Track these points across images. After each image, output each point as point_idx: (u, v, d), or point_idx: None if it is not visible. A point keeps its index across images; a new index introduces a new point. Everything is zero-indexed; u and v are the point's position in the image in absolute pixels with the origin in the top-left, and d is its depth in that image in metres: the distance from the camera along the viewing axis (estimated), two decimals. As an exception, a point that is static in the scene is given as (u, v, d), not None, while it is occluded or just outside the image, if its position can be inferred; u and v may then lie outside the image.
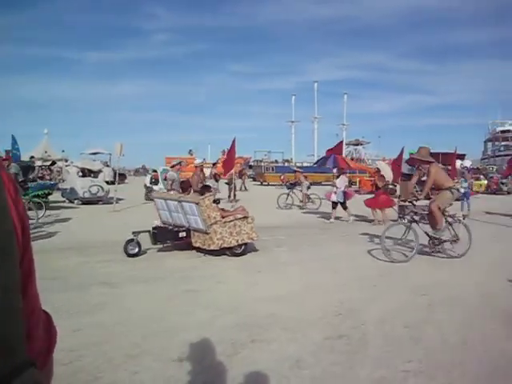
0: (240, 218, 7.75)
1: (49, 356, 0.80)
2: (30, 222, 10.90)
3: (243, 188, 26.16)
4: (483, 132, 66.84)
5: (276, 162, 43.01)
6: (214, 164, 19.61)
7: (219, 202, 8.30)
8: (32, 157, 22.57)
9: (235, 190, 19.39)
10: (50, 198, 14.54)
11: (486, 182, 28.09)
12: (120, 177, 28.23)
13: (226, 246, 7.55)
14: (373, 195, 13.34)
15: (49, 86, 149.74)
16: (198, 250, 7.86)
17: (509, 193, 24.98)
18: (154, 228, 8.12)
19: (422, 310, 4.92)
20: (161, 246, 8.11)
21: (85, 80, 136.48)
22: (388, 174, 14.94)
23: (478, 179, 27.53)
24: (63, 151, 29.12)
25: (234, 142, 16.80)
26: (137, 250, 7.60)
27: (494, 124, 63.71)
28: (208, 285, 5.90)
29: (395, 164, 16.38)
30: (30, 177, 15.71)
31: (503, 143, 55.80)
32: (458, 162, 25.64)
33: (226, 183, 19.87)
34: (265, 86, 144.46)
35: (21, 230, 0.70)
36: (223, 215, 7.77)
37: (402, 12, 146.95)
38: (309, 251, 8.36)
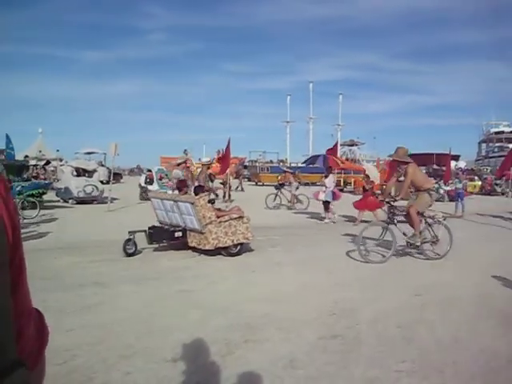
0: (235, 218, 7.75)
1: (40, 356, 0.79)
2: (25, 221, 10.86)
3: (240, 188, 26.14)
4: (477, 133, 67.22)
5: (271, 162, 42.98)
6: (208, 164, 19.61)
7: (214, 202, 8.29)
8: (26, 156, 22.46)
9: (230, 189, 19.40)
10: (45, 197, 14.50)
11: (480, 182, 28.25)
12: (116, 176, 28.22)
13: (221, 245, 7.54)
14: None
15: (44, 85, 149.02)
16: (194, 249, 7.85)
17: (503, 194, 25.09)
18: (149, 228, 8.11)
19: (416, 310, 4.94)
20: (156, 245, 8.10)
21: (80, 79, 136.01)
22: (373, 174, 14.97)
23: (472, 180, 27.68)
24: (58, 150, 28.98)
25: (228, 142, 16.85)
26: (133, 249, 7.61)
27: (488, 125, 64.08)
28: (202, 285, 5.89)
29: (391, 165, 16.44)
30: (25, 176, 15.62)
31: (497, 144, 56.12)
32: (453, 163, 25.80)
33: (221, 183, 19.88)
34: (260, 85, 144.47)
35: (11, 229, 0.69)
36: (218, 215, 7.76)
37: (398, 13, 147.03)
38: (303, 251, 8.36)
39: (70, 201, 16.35)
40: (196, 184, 11.83)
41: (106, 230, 10.32)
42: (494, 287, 5.91)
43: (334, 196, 13.08)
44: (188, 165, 18.62)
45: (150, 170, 19.66)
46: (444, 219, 8.09)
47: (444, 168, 24.00)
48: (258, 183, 33.01)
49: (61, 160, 27.66)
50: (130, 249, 7.56)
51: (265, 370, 3.33)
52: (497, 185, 27.27)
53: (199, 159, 38.96)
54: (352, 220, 13.27)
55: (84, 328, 4.15)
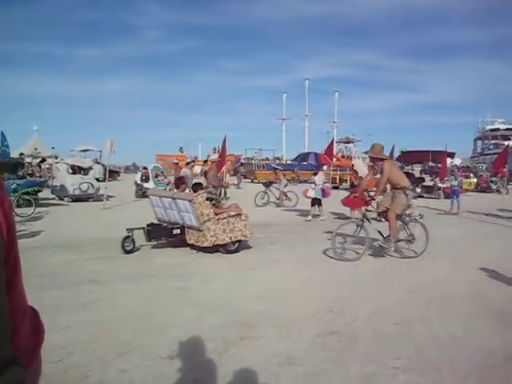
0: (233, 215, 7.75)
1: (35, 354, 0.79)
2: (20, 219, 10.82)
3: (239, 186, 26.15)
4: (473, 130, 67.62)
5: (267, 159, 43.00)
6: (204, 162, 19.60)
7: (212, 200, 8.28)
8: (21, 153, 22.39)
9: (226, 187, 19.38)
10: (40, 195, 14.43)
11: (475, 180, 28.32)
12: (113, 174, 28.10)
13: (219, 243, 7.54)
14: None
15: (39, 83, 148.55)
16: (192, 247, 7.84)
17: (498, 191, 25.18)
18: (148, 225, 8.11)
19: (414, 307, 4.95)
20: (155, 242, 8.09)
21: (75, 77, 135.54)
22: (362, 170, 14.94)
23: (467, 177, 27.74)
24: (53, 148, 28.94)
25: (224, 139, 16.83)
26: (131, 246, 7.61)
27: (484, 122, 64.44)
28: (199, 282, 5.88)
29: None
30: (20, 174, 15.54)
31: (492, 141, 56.40)
32: (449, 160, 25.85)
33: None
34: (256, 83, 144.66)
35: (6, 227, 0.69)
36: (216, 212, 7.75)
37: (394, 11, 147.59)
38: (301, 248, 8.37)
39: (66, 198, 16.28)
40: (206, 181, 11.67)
41: (102, 227, 10.29)
42: (489, 285, 5.92)
43: (324, 193, 13.04)
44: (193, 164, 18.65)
45: (145, 168, 19.63)
46: (421, 217, 7.91)
47: (440, 165, 24.05)
48: (254, 180, 33.01)
49: (56, 157, 27.56)
50: (128, 246, 7.57)
51: (261, 367, 3.33)
52: (492, 182, 27.34)
53: (195, 157, 38.83)
54: (342, 217, 13.20)
55: (80, 326, 4.14)
